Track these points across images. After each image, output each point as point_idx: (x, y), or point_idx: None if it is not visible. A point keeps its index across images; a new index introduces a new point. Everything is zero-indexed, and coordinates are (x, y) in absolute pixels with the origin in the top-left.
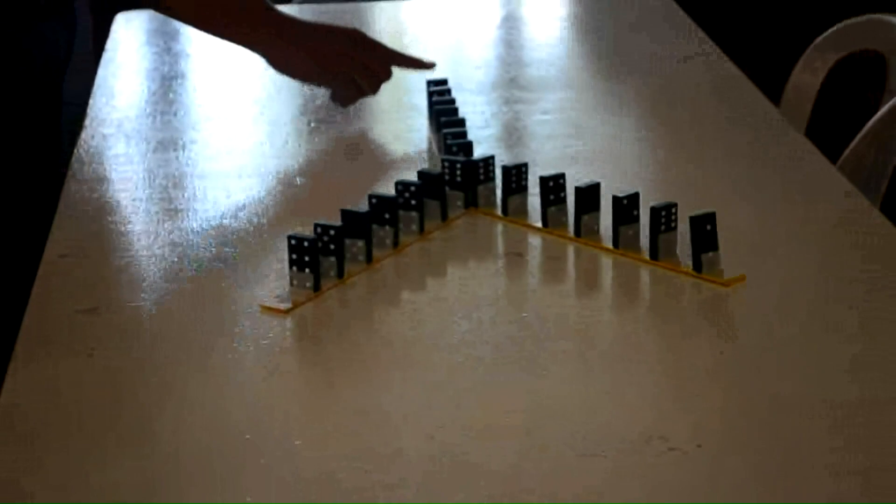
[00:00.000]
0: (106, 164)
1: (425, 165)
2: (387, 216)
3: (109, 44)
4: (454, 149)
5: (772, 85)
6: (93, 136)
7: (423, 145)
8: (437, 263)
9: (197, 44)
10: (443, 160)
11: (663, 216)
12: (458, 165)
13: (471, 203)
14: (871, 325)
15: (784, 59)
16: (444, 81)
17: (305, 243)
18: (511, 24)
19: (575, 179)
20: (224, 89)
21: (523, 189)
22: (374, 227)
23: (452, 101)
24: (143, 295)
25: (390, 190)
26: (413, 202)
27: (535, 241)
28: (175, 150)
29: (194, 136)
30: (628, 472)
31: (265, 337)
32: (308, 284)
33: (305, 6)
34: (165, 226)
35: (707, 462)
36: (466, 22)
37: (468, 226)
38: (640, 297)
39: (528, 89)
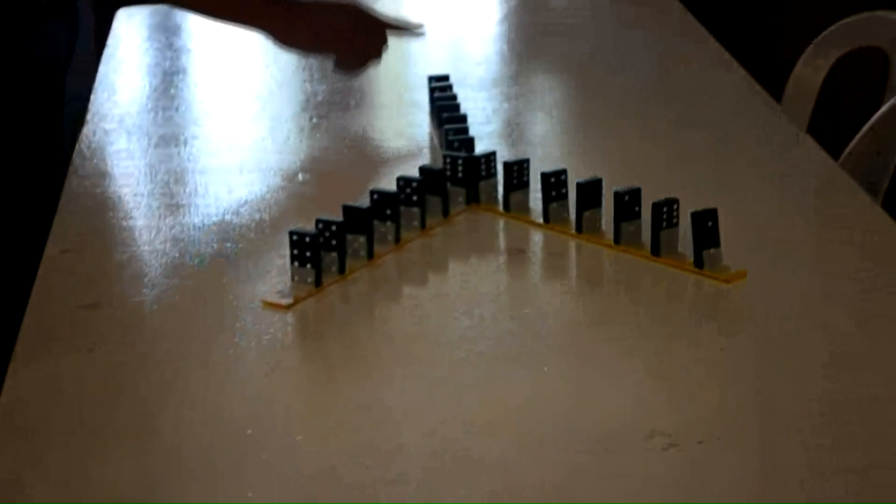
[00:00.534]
0: (107, 160)
1: (427, 161)
2: (388, 212)
3: (111, 39)
4: (456, 145)
5: (774, 81)
6: (94, 132)
7: (425, 141)
8: (439, 259)
9: (198, 39)
10: (444, 156)
11: (665, 212)
12: (460, 161)
13: (472, 199)
14: (872, 323)
15: (786, 56)
16: (445, 77)
17: (307, 239)
18: (513, 20)
19: (576, 175)
20: (226, 85)
21: (525, 185)
22: (376, 222)
23: (454, 97)
24: (144, 290)
25: (392, 186)
26: (414, 198)
27: (536, 237)
28: (176, 145)
29: (196, 132)
30: (629, 467)
31: (266, 332)
32: (309, 280)
33: None
34: (167, 221)
35: (707, 458)
36: (468, 17)
37: (469, 222)
38: (642, 293)
39: (530, 85)
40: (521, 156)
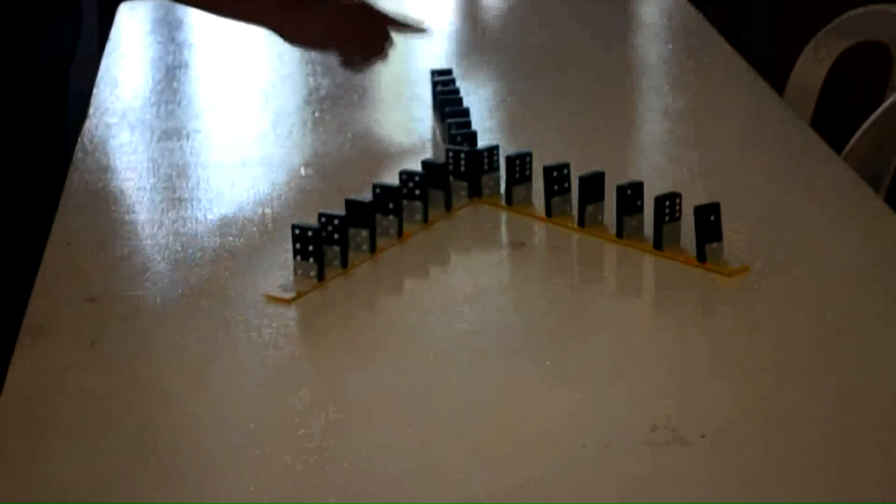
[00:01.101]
0: (110, 154)
1: (429, 155)
2: (391, 206)
3: (113, 33)
4: (458, 138)
5: (776, 75)
6: (97, 126)
7: (428, 135)
8: (441, 253)
9: (201, 33)
10: (447, 150)
11: (667, 206)
12: (463, 155)
13: (475, 193)
14: (875, 316)
15: (789, 50)
16: (448, 71)
17: (309, 233)
18: (516, 14)
19: (579, 169)
20: (228, 79)
21: (527, 179)
22: (378, 216)
23: (457, 91)
24: (146, 284)
25: (394, 179)
26: (417, 192)
27: (538, 230)
28: (179, 139)
29: (198, 126)
30: (632, 461)
31: (269, 326)
32: (312, 274)
33: None
34: (169, 215)
35: (710, 452)
36: (470, 11)
37: (472, 215)
38: (644, 286)
39: (533, 79)
40: (523, 150)
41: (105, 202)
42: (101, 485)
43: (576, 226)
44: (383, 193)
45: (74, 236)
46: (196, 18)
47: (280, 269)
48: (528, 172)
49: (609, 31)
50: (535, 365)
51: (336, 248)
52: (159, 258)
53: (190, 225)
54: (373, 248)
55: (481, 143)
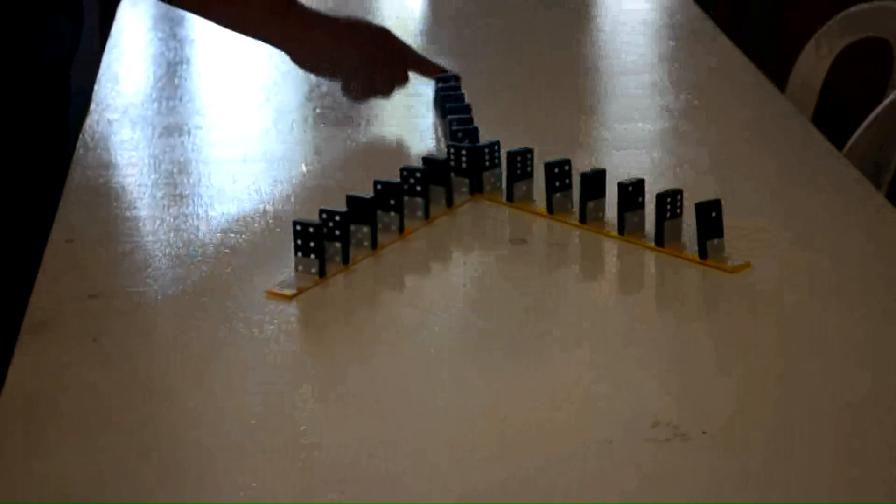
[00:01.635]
0: (111, 150)
1: (431, 151)
2: (392, 202)
3: (114, 30)
4: (460, 135)
5: (778, 72)
6: (98, 122)
7: (429, 131)
8: (443, 249)
9: (202, 30)
10: (448, 146)
11: (669, 203)
12: (464, 151)
13: (476, 189)
14: (877, 313)
15: (790, 46)
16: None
17: (311, 229)
18: (517, 11)
19: (580, 166)
20: (230, 75)
21: (528, 175)
22: (380, 212)
23: (458, 87)
24: (147, 280)
25: (396, 176)
26: (418, 188)
27: (540, 227)
28: (180, 135)
29: (200, 122)
30: (633, 457)
31: (270, 323)
32: (313, 270)
33: None
34: (170, 211)
35: (712, 448)
36: (472, 8)
37: (473, 212)
38: (646, 283)
39: (534, 75)
40: (524, 146)
41: (106, 199)
42: (102, 481)
43: (577, 222)
44: (384, 190)
45: (75, 233)
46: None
47: (281, 265)
48: (529, 169)
49: (607, 30)
50: (536, 361)
51: (337, 245)
52: (160, 255)
53: (191, 221)
54: (374, 245)
55: (482, 139)
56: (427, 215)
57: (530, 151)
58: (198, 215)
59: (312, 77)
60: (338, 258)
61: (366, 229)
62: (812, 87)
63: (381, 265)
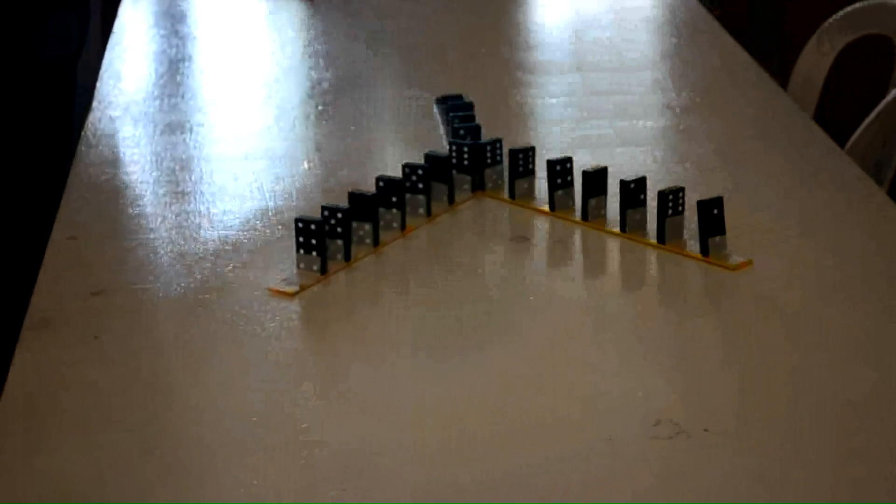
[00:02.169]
0: (113, 147)
1: (433, 148)
2: (394, 199)
3: (116, 27)
4: (462, 132)
5: (780, 69)
6: (100, 119)
7: (431, 128)
8: (444, 247)
9: (204, 26)
10: (450, 143)
11: (671, 200)
12: (466, 149)
13: (478, 186)
14: (879, 311)
15: (792, 43)
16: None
17: (313, 226)
18: (519, 7)
19: (582, 163)
20: (231, 72)
21: (530, 172)
22: (382, 210)
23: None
24: (149, 277)
25: (398, 173)
26: (420, 185)
27: (542, 224)
28: (182, 132)
29: (201, 119)
30: (635, 455)
31: (272, 320)
32: (315, 267)
33: None
34: (172, 209)
35: (713, 446)
36: (473, 4)
37: (475, 209)
38: (648, 280)
39: (536, 73)
40: (526, 143)
41: (108, 196)
42: (104, 479)
43: (579, 219)
44: (386, 187)
45: (77, 230)
46: (199, 12)
47: (283, 262)
48: (531, 166)
49: (609, 27)
50: (539, 358)
51: (339, 242)
52: (162, 252)
53: (193, 219)
54: (376, 242)
55: (484, 136)
56: (429, 212)
57: (532, 149)
58: (199, 212)
59: (314, 74)
60: (340, 255)
61: (368, 226)
62: (814, 85)
63: (383, 262)
